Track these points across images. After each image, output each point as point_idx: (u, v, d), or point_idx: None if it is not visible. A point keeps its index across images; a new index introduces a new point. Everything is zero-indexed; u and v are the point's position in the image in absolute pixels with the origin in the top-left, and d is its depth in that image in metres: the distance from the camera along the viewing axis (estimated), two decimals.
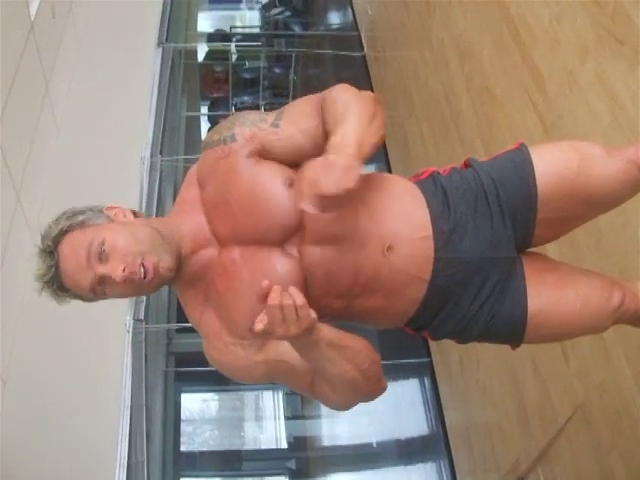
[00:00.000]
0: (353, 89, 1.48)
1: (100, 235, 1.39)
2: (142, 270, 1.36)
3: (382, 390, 1.53)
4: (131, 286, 1.39)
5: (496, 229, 1.56)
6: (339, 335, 1.40)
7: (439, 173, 1.62)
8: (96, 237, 1.38)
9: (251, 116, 1.50)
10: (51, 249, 1.39)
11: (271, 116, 1.50)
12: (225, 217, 1.46)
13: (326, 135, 1.41)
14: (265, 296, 1.29)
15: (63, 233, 1.41)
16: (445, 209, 1.54)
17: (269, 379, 1.54)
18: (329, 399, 1.51)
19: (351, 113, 1.39)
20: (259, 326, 1.29)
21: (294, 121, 1.48)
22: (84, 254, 1.37)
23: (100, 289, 1.39)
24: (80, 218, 1.43)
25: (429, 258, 1.51)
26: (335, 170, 1.27)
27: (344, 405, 1.53)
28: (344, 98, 1.44)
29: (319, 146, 1.42)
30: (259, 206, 1.43)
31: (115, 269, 1.35)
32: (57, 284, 1.39)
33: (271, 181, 1.44)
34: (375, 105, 1.44)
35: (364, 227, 1.48)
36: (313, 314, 1.32)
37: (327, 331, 1.38)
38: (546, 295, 1.61)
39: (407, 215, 1.52)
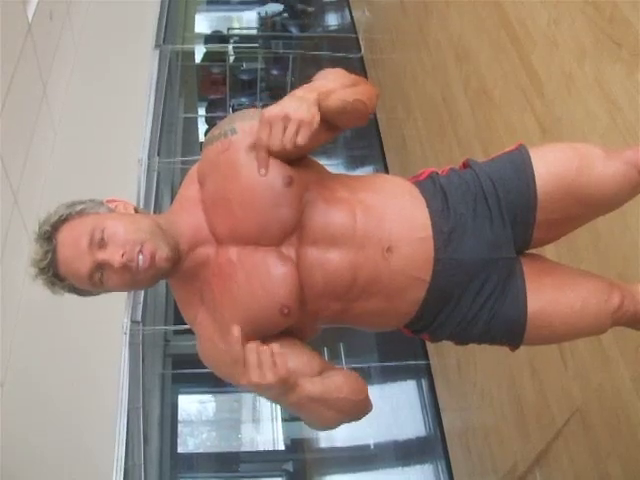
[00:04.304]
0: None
1: (102, 223, 1.38)
2: (139, 258, 1.36)
3: (367, 413, 1.55)
4: (128, 275, 1.37)
5: (495, 230, 1.56)
6: (324, 387, 1.41)
7: (438, 174, 1.62)
8: (98, 225, 1.38)
9: (251, 112, 1.50)
10: (49, 235, 1.38)
11: None
12: (224, 214, 1.44)
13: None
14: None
15: (62, 221, 1.40)
16: (445, 209, 1.54)
17: None
18: (307, 423, 1.52)
19: (327, 74, 1.47)
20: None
21: None
22: (85, 241, 1.36)
23: (98, 276, 1.37)
24: (80, 207, 1.42)
25: (429, 259, 1.51)
26: (289, 123, 1.32)
27: (321, 429, 1.57)
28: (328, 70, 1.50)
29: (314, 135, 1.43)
30: (257, 203, 1.42)
31: (114, 254, 1.35)
32: (53, 271, 1.38)
33: (270, 178, 1.42)
34: (360, 80, 1.48)
35: (363, 228, 1.47)
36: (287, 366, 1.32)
37: (311, 387, 1.39)
38: (546, 296, 1.61)
39: (407, 216, 1.51)
